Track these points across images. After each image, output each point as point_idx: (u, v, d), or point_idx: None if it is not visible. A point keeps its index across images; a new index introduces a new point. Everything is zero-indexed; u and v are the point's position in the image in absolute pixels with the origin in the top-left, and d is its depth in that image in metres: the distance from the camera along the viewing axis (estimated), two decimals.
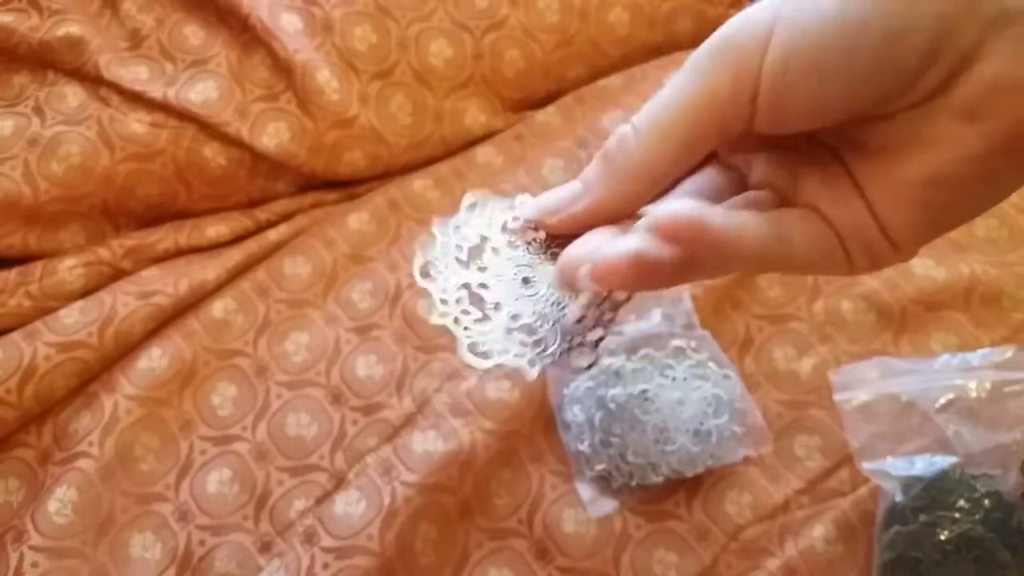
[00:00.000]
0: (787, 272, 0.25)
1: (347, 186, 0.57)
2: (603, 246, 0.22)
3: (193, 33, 0.53)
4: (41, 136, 0.49)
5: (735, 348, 0.50)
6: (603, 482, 0.46)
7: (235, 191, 0.54)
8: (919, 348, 0.50)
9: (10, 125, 0.50)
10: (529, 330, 0.24)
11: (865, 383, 0.45)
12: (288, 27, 0.53)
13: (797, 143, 0.24)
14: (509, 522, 0.45)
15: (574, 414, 0.46)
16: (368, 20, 0.54)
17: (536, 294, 0.25)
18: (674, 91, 0.22)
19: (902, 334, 0.51)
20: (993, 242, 0.54)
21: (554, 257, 0.25)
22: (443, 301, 0.25)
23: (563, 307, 0.25)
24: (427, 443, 0.46)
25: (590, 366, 0.25)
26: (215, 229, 0.53)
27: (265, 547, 0.44)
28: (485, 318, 0.24)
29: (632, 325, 0.48)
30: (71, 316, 0.47)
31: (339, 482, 0.46)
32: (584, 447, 0.45)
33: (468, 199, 0.26)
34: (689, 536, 0.45)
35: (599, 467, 0.45)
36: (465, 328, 0.25)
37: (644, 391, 0.45)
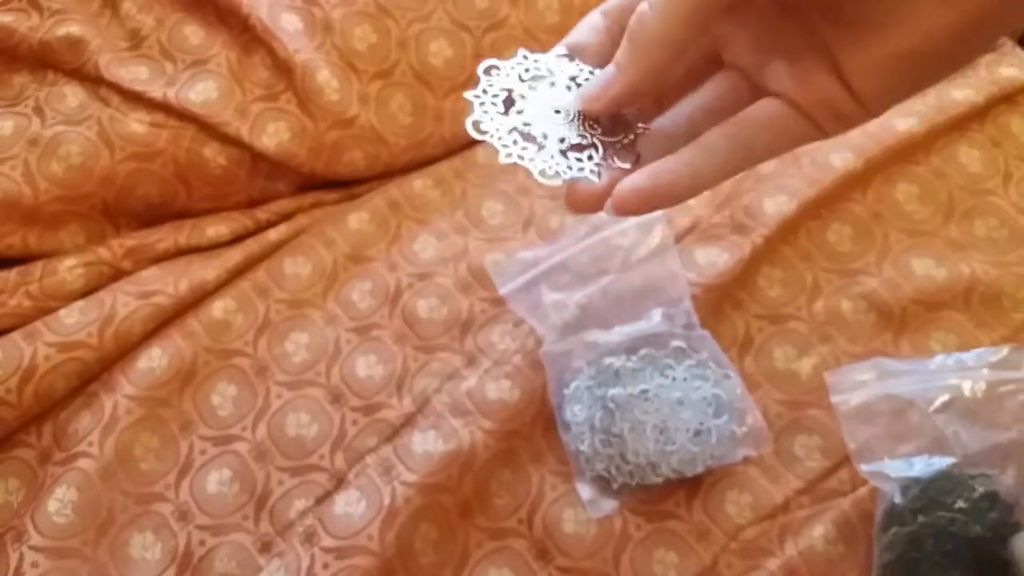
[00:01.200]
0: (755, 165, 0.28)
1: (347, 186, 0.57)
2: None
3: (193, 33, 0.53)
4: (41, 136, 0.49)
5: (735, 348, 0.50)
6: (603, 482, 0.46)
7: (235, 191, 0.54)
8: (919, 348, 0.50)
9: (10, 125, 0.50)
10: (578, 148, 0.29)
11: (862, 384, 0.45)
12: (288, 27, 0.53)
13: (776, 24, 0.27)
14: (509, 522, 0.45)
15: (574, 414, 0.46)
16: (368, 20, 0.54)
17: (570, 119, 0.29)
18: None
19: (902, 334, 0.51)
20: (993, 242, 0.54)
21: (568, 88, 0.29)
22: (503, 144, 0.29)
23: (595, 123, 0.29)
24: (427, 443, 0.46)
25: (633, 165, 0.28)
26: (215, 229, 0.53)
27: (265, 547, 0.44)
28: (541, 147, 0.28)
29: (632, 325, 0.48)
30: (71, 316, 0.47)
31: (339, 482, 0.46)
32: (584, 447, 0.45)
33: (482, 66, 0.30)
34: (689, 536, 0.45)
35: (599, 467, 0.45)
36: (531, 160, 0.29)
37: (644, 391, 0.45)
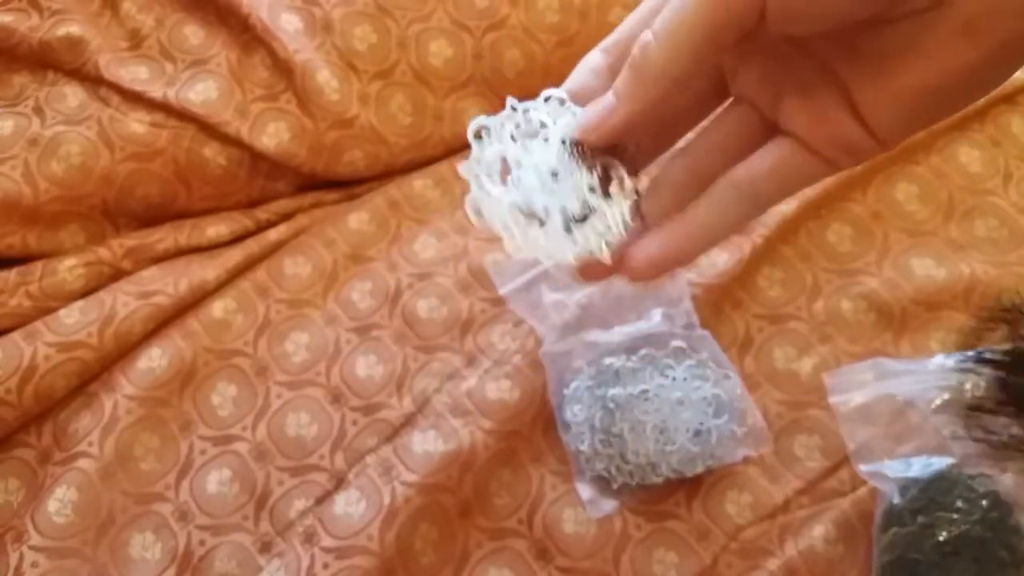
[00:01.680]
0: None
1: (347, 186, 0.57)
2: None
3: (193, 33, 0.53)
4: (41, 136, 0.49)
5: (735, 348, 0.50)
6: (603, 482, 0.46)
7: (235, 191, 0.54)
8: (919, 348, 0.50)
9: (10, 125, 0.50)
10: (582, 218, 0.27)
11: (861, 385, 0.46)
12: (288, 27, 0.53)
13: (787, 56, 0.26)
14: (509, 522, 0.45)
15: (574, 414, 0.46)
16: (368, 20, 0.54)
17: (571, 184, 0.27)
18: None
19: (902, 334, 0.51)
20: (993, 242, 0.54)
21: (565, 144, 0.27)
22: (507, 230, 0.27)
23: (594, 187, 0.27)
24: (427, 443, 0.46)
25: (640, 222, 0.27)
26: (215, 229, 0.53)
27: (265, 547, 0.44)
28: (543, 224, 0.27)
29: (632, 325, 0.48)
30: (71, 316, 0.47)
31: (339, 482, 0.46)
32: (584, 447, 0.45)
33: (472, 127, 0.28)
34: (689, 536, 0.45)
35: (599, 467, 0.45)
36: (538, 247, 0.27)
37: (644, 391, 0.45)
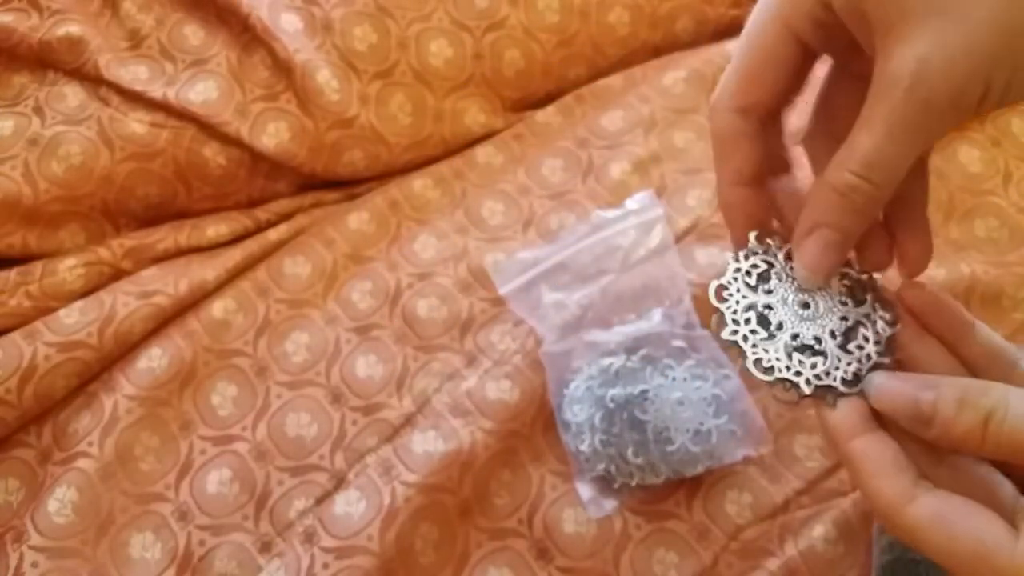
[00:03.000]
0: None
1: (347, 186, 0.57)
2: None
3: (193, 33, 0.53)
4: (41, 136, 0.49)
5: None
6: (603, 482, 0.46)
7: (235, 191, 0.54)
8: None
9: (10, 125, 0.50)
10: (809, 351, 0.28)
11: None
12: (288, 27, 0.53)
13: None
14: (509, 522, 0.45)
15: (574, 414, 0.46)
16: (368, 20, 0.54)
17: (815, 318, 0.28)
18: (896, 145, 0.24)
19: None
20: (993, 242, 0.54)
21: (831, 282, 0.29)
22: (735, 321, 0.28)
23: (838, 333, 0.28)
24: (427, 443, 0.46)
25: (838, 396, 0.27)
26: (215, 229, 0.53)
27: (265, 547, 0.44)
28: (770, 337, 0.28)
29: (632, 325, 0.48)
30: (71, 316, 0.47)
31: (339, 482, 0.46)
32: (584, 447, 0.45)
33: (713, 290, 0.30)
34: (689, 536, 0.45)
35: (599, 467, 0.45)
36: (753, 345, 0.28)
37: (644, 391, 0.45)
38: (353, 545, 0.43)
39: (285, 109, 0.52)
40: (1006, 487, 0.27)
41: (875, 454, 0.25)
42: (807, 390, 0.27)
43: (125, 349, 0.48)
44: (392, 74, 0.55)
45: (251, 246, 0.52)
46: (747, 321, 0.28)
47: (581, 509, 0.45)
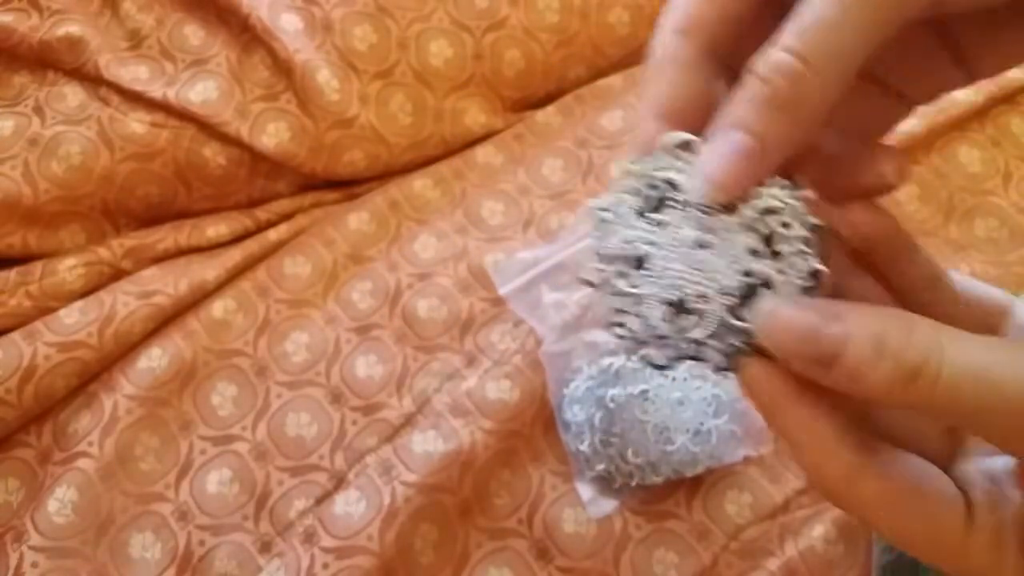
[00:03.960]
0: None
1: (347, 186, 0.57)
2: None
3: (193, 33, 0.53)
4: (41, 136, 0.49)
5: None
6: (603, 482, 0.46)
7: (235, 191, 0.54)
8: None
9: (10, 125, 0.50)
10: (748, 295, 0.21)
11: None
12: (288, 27, 0.53)
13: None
14: (509, 522, 0.45)
15: (574, 414, 0.46)
16: (368, 20, 0.54)
17: (708, 267, 0.21)
18: (838, 5, 0.18)
19: None
20: (993, 242, 0.54)
21: (745, 227, 0.21)
22: (603, 257, 0.21)
23: (757, 249, 0.21)
24: (427, 443, 0.46)
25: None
26: (215, 229, 0.53)
27: (265, 547, 0.44)
28: (640, 283, 0.21)
29: None
30: (71, 316, 0.47)
31: (339, 482, 0.46)
32: (584, 447, 0.45)
33: (591, 216, 0.22)
34: (689, 536, 0.45)
35: (599, 467, 0.45)
36: (615, 293, 0.21)
37: (644, 391, 0.45)
38: (353, 545, 0.43)
39: (285, 109, 0.52)
40: (933, 444, 0.23)
41: (807, 427, 0.20)
42: (661, 359, 0.21)
43: (125, 349, 0.48)
44: (392, 74, 0.55)
45: (251, 246, 0.52)
46: (619, 259, 0.21)
47: (581, 509, 0.45)
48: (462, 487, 0.45)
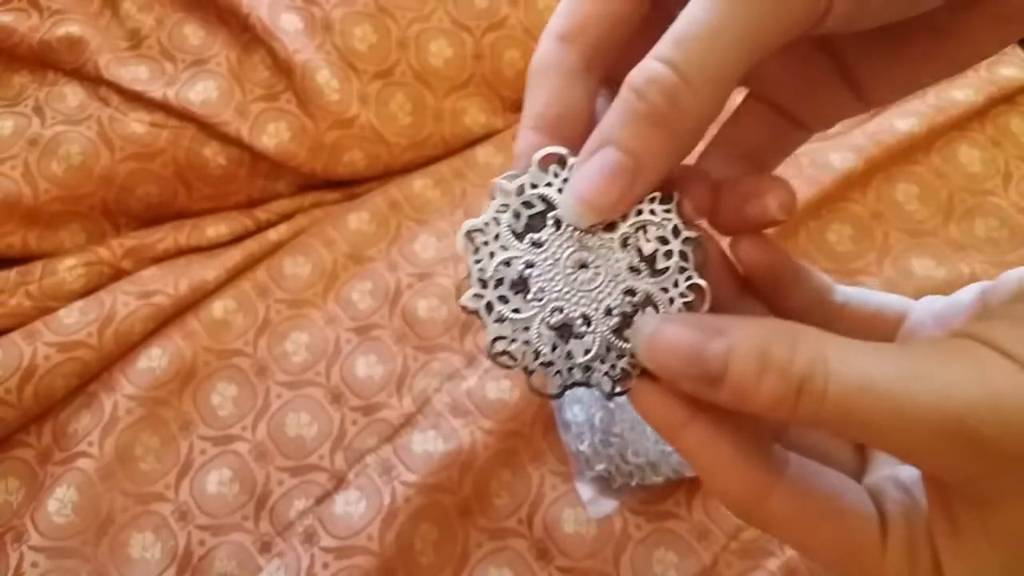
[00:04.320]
0: None
1: (347, 186, 0.57)
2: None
3: (193, 33, 0.53)
4: (41, 136, 0.49)
5: None
6: (603, 482, 0.46)
7: (235, 191, 0.54)
8: None
9: (10, 125, 0.50)
10: (571, 333, 0.21)
11: None
12: (288, 27, 0.53)
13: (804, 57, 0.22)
14: (509, 522, 0.45)
15: (574, 414, 0.46)
16: (368, 20, 0.54)
17: (590, 288, 0.21)
18: (717, 13, 0.18)
19: None
20: (993, 242, 0.54)
21: (624, 239, 0.20)
22: (482, 281, 0.21)
23: (636, 266, 0.20)
24: (427, 443, 0.46)
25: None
26: (215, 229, 0.53)
27: (265, 547, 0.44)
28: (524, 307, 0.21)
29: None
30: (71, 316, 0.47)
31: (339, 482, 0.46)
32: (584, 447, 0.45)
33: (461, 239, 0.21)
34: (689, 536, 0.45)
35: (599, 467, 0.45)
36: (497, 319, 0.21)
37: None
38: (353, 545, 0.43)
39: (285, 109, 0.52)
40: (844, 455, 0.23)
41: (706, 448, 0.20)
42: (553, 388, 0.21)
43: (125, 349, 0.48)
44: (392, 74, 0.55)
45: (251, 246, 0.52)
46: (499, 283, 0.21)
47: (581, 509, 0.45)
48: (462, 487, 0.45)
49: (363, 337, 0.50)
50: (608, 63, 0.22)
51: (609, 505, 0.45)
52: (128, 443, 0.46)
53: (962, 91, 0.58)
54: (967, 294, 0.22)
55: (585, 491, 0.45)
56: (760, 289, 0.23)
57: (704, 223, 0.22)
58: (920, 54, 0.21)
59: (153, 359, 0.48)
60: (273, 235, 0.53)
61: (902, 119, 0.56)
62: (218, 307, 0.50)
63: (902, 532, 0.19)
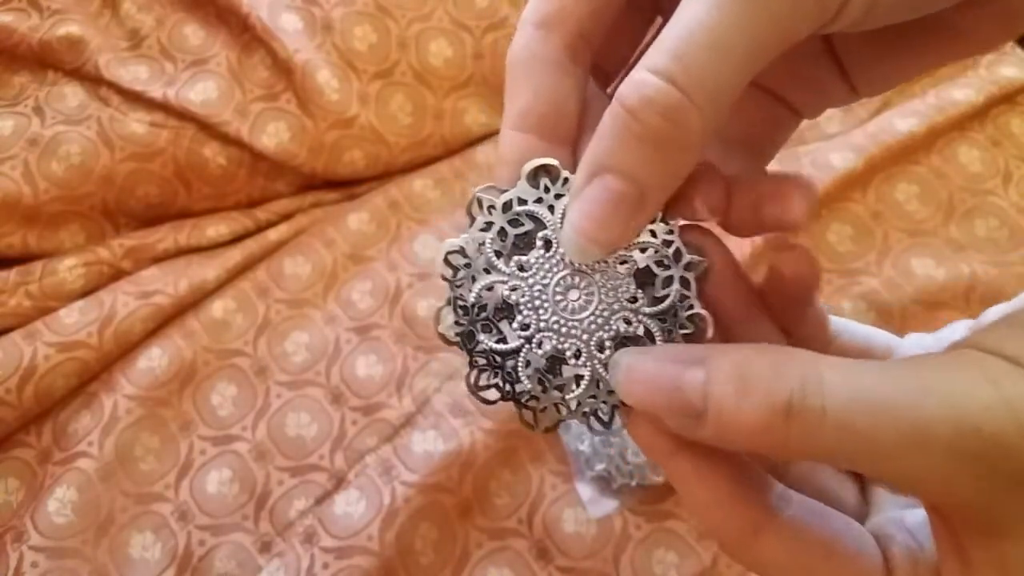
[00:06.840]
0: None
1: (347, 186, 0.57)
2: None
3: (193, 33, 0.53)
4: (41, 136, 0.49)
5: None
6: (603, 482, 0.46)
7: (235, 191, 0.54)
8: None
9: (10, 125, 0.50)
10: (561, 367, 0.18)
11: None
12: (288, 27, 0.53)
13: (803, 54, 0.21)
14: (509, 522, 0.45)
15: None
16: (368, 20, 0.54)
17: (578, 316, 0.18)
18: (723, 19, 0.15)
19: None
20: (993, 242, 0.54)
21: (620, 263, 0.18)
22: (462, 308, 0.19)
23: (636, 296, 0.18)
24: (427, 443, 0.46)
25: (603, 428, 0.19)
26: (215, 229, 0.53)
27: (265, 547, 0.44)
28: (506, 338, 0.19)
29: None
30: (71, 316, 0.47)
31: (339, 482, 0.46)
32: (584, 447, 0.45)
33: (440, 263, 0.19)
34: (689, 536, 0.45)
35: (599, 467, 0.45)
36: (478, 351, 0.19)
37: None
38: (353, 545, 0.43)
39: (285, 109, 0.52)
40: (848, 492, 0.22)
41: (700, 482, 0.18)
42: (539, 428, 0.19)
43: (125, 349, 0.48)
44: (392, 74, 0.55)
45: (251, 246, 0.52)
46: (481, 310, 0.19)
47: (581, 509, 0.45)
48: (462, 487, 0.45)
49: (363, 337, 0.50)
50: (594, 50, 0.20)
51: (609, 505, 0.45)
52: (128, 443, 0.46)
53: (962, 91, 0.58)
54: (955, 332, 0.21)
55: (585, 491, 0.45)
56: (775, 306, 0.22)
57: (713, 224, 0.20)
58: (917, 48, 0.21)
59: (153, 359, 0.48)
60: (273, 235, 0.53)
61: (902, 119, 0.56)
62: (218, 307, 0.50)
63: None
